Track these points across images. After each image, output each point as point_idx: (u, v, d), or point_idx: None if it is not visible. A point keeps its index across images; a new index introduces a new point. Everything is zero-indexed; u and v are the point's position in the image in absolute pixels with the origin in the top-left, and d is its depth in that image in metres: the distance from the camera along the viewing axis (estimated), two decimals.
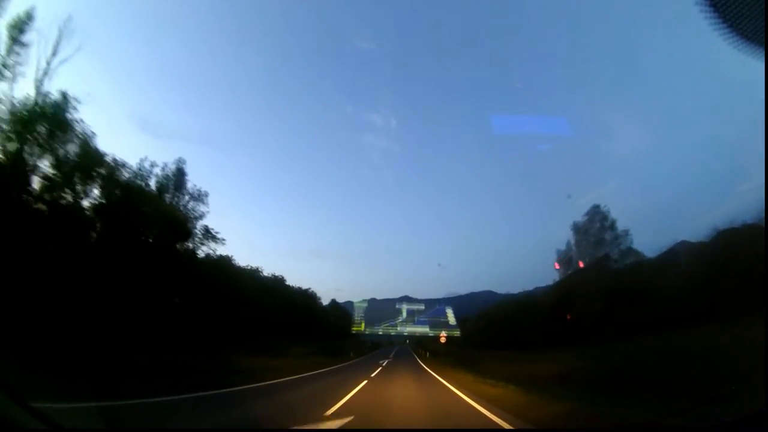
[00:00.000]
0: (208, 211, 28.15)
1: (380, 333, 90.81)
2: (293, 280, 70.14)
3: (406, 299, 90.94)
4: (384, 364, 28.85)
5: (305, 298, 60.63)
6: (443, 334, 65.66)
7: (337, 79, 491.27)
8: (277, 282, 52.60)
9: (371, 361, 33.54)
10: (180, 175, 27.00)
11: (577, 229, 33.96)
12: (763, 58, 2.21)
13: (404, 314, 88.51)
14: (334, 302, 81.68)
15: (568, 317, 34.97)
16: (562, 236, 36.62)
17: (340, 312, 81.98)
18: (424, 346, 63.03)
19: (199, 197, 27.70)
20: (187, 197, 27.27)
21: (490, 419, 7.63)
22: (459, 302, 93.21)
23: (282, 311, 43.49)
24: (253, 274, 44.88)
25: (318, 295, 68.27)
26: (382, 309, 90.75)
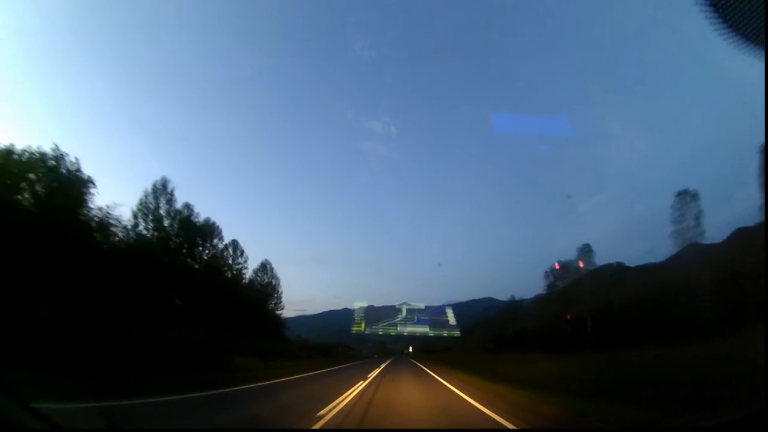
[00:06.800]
0: None
1: (380, 333, 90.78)
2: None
3: (406, 306, 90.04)
4: None
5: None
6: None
7: (336, 86, 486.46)
8: None
9: None
10: None
11: None
12: (763, 58, 2.21)
13: (404, 313, 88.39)
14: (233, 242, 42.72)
15: (568, 317, 34.81)
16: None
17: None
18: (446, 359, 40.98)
19: None
20: None
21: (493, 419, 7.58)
22: (459, 309, 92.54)
23: None
24: None
25: None
26: (380, 313, 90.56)
